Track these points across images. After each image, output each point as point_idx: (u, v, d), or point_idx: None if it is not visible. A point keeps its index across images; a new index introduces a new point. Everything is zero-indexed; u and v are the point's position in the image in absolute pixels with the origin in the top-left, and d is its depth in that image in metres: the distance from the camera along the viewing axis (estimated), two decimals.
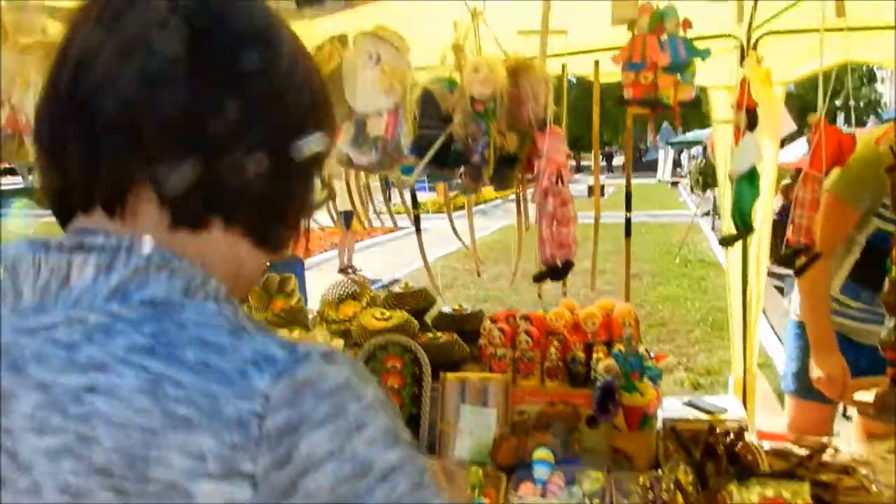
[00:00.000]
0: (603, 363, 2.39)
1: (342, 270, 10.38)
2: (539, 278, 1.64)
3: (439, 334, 2.71)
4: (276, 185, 0.68)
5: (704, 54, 1.51)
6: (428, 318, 2.95)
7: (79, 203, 0.65)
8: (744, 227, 1.71)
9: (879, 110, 24.55)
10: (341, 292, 3.13)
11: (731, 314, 3.85)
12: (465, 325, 2.84)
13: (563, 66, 2.09)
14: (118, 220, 0.64)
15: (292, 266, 4.31)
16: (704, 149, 11.47)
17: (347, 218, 4.24)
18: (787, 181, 9.94)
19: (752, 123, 1.56)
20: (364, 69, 1.62)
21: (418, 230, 3.62)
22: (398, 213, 2.75)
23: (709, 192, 14.53)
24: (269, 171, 0.67)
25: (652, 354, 2.48)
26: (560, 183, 1.58)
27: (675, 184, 24.44)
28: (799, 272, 1.77)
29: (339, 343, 2.62)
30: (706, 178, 12.83)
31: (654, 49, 1.49)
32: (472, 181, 1.63)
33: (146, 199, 0.63)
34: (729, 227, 2.42)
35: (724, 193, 3.78)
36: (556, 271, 1.60)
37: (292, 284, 3.15)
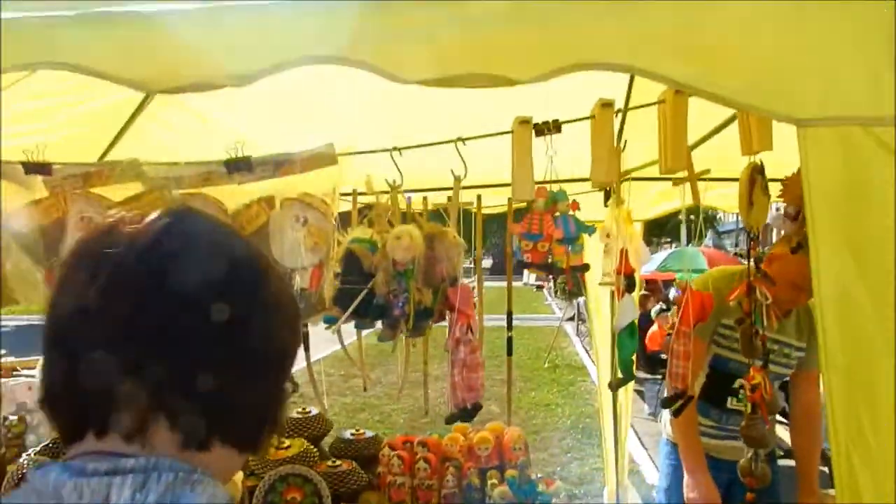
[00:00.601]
0: (498, 489, 2.55)
1: None
2: (450, 420, 1.80)
3: (338, 462, 2.77)
4: (266, 402, 0.84)
5: (591, 230, 1.80)
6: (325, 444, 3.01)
7: (93, 427, 0.76)
8: (626, 373, 1.98)
9: (716, 224, 27.83)
10: None
11: (603, 425, 4.15)
12: (364, 451, 2.91)
13: (479, 197, 2.34)
14: (136, 444, 0.75)
15: None
16: None
17: None
18: (642, 293, 10.88)
19: (630, 286, 1.86)
20: (291, 229, 1.78)
21: (306, 348, 3.72)
22: None
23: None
24: (261, 393, 0.82)
25: (540, 477, 2.67)
26: (470, 332, 1.78)
27: (539, 287, 25.69)
28: (677, 413, 2.03)
29: (238, 475, 2.60)
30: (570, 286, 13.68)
31: (549, 225, 1.76)
32: (391, 330, 1.80)
33: (161, 427, 0.76)
34: (615, 373, 2.76)
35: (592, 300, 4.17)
36: (466, 413, 1.77)
37: None
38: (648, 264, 11.64)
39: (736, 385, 2.55)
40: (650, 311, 9.65)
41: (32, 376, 3.48)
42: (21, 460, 2.66)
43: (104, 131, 2.55)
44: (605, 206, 2.92)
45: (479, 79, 1.24)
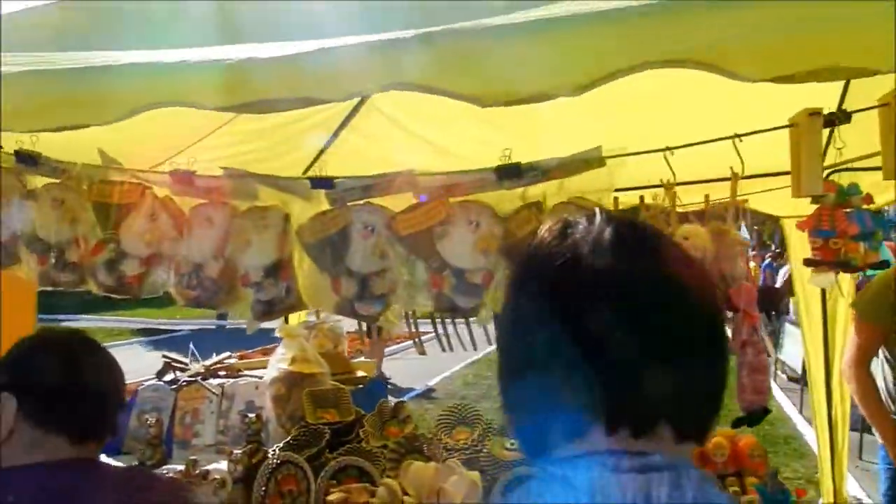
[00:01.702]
0: (746, 498, 2.45)
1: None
2: (737, 424, 1.76)
3: None
4: (722, 389, 0.84)
5: (890, 225, 1.70)
6: None
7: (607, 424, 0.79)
8: None
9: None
10: (453, 418, 3.19)
11: (819, 434, 3.90)
12: None
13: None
14: (644, 440, 0.77)
15: (378, 385, 4.36)
16: None
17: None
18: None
19: None
20: None
21: None
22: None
23: None
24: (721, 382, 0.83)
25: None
26: (755, 334, 1.73)
27: None
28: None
29: (475, 476, 2.67)
30: None
31: (842, 220, 1.68)
32: None
33: (663, 423, 0.78)
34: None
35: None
36: (755, 417, 1.72)
37: (406, 411, 3.20)
38: None
39: None
40: None
41: (258, 377, 3.70)
42: (270, 455, 2.85)
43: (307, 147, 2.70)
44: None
45: (830, 73, 1.20)
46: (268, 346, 4.60)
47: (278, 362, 3.38)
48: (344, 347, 4.11)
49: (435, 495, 2.40)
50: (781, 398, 9.04)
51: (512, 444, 2.86)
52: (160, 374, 3.86)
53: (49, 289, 2.16)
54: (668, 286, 0.79)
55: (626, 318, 0.76)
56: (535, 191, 1.91)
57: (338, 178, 2.01)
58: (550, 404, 0.81)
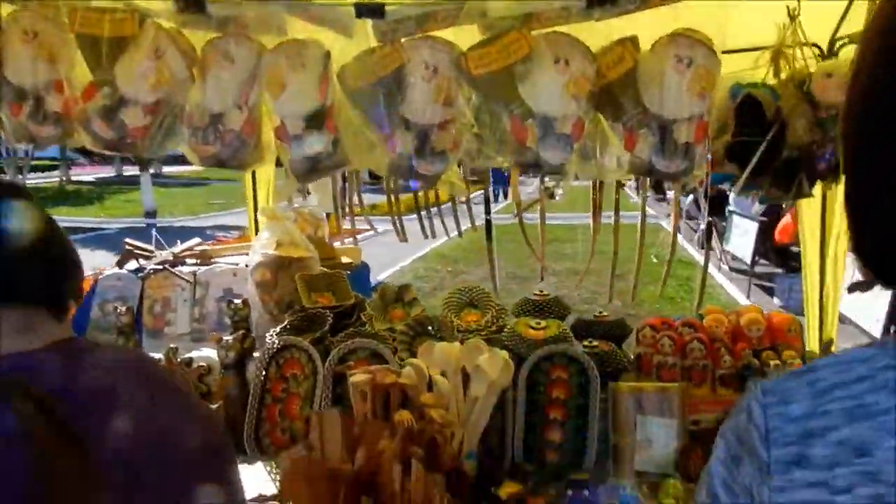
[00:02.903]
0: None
1: None
2: (852, 289, 1.60)
3: (595, 342, 2.64)
4: None
5: None
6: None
7: None
8: None
9: None
10: (460, 300, 3.02)
11: (808, 323, 3.92)
12: (609, 333, 2.78)
13: None
14: None
15: (364, 272, 4.13)
16: None
17: None
18: None
19: None
20: (674, 72, 1.54)
21: (489, 237, 3.59)
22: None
23: (669, 194, 14.94)
24: None
25: None
26: None
27: (621, 185, 25.09)
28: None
29: (504, 354, 2.50)
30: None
31: None
32: (783, 190, 1.58)
33: None
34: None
35: None
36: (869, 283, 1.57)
37: (412, 293, 3.00)
38: None
39: None
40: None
41: (235, 263, 3.44)
42: (268, 339, 2.62)
43: None
44: None
45: None
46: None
47: (262, 247, 3.12)
48: (325, 233, 3.84)
49: (460, 373, 2.25)
50: (729, 287, 9.39)
51: (538, 324, 2.71)
52: (121, 263, 3.54)
53: None
54: None
55: None
56: (627, 25, 1.62)
57: (389, 2, 1.65)
58: None
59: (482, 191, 2.51)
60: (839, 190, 3.52)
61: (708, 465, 0.65)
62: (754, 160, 1.48)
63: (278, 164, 1.85)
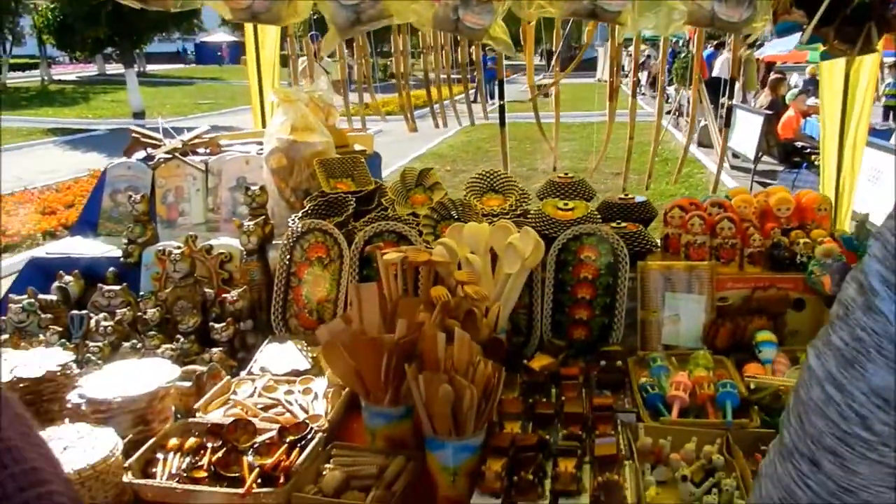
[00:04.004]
0: (822, 248, 2.37)
1: None
2: None
3: (623, 223, 2.61)
4: None
5: None
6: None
7: None
8: None
9: None
10: (482, 185, 2.97)
11: None
12: (637, 215, 2.74)
13: None
14: None
15: (376, 160, 4.02)
16: (687, 43, 11.37)
17: None
18: (775, 76, 10.12)
19: None
20: None
21: (503, 122, 3.50)
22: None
23: (671, 91, 14.63)
24: None
25: None
26: None
27: (638, 81, 24.50)
28: None
29: (534, 233, 2.45)
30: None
31: None
32: (849, 43, 1.49)
33: None
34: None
35: None
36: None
37: (435, 177, 2.94)
38: (782, 46, 10.69)
39: None
40: (783, 95, 8.97)
41: (246, 152, 3.32)
42: (291, 224, 2.58)
43: None
44: None
45: None
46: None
47: (277, 132, 3.00)
48: (335, 119, 3.71)
49: (489, 254, 2.23)
50: (731, 184, 9.33)
51: (565, 205, 2.67)
52: (128, 152, 3.41)
53: None
54: None
55: None
56: None
57: None
58: None
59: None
60: (862, 67, 3.42)
61: (861, 265, 0.63)
62: (825, 4, 1.39)
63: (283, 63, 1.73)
